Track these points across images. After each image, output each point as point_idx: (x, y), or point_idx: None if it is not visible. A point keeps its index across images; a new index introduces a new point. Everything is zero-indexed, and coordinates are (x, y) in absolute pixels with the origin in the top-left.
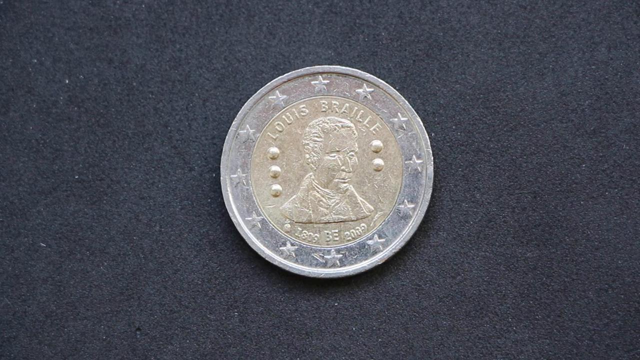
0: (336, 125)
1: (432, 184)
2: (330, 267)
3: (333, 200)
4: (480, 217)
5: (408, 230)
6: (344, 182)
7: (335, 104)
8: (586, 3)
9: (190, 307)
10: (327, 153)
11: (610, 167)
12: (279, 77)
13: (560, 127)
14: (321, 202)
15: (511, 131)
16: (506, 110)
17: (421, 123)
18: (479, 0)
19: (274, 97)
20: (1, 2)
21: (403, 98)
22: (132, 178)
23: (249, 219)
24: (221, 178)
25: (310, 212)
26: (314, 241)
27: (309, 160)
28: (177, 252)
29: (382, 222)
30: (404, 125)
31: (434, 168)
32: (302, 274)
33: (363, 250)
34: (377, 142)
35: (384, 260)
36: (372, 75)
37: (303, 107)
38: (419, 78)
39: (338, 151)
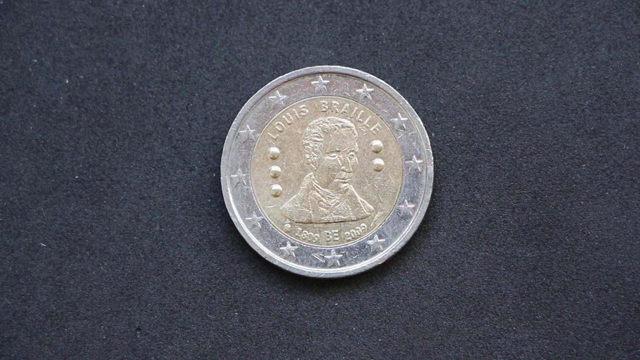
0: (336, 125)
1: (432, 184)
2: (330, 267)
3: (333, 200)
4: (480, 217)
5: (408, 230)
6: (344, 182)
7: (335, 104)
8: (586, 3)
9: (190, 307)
10: (327, 153)
11: (610, 167)
12: (279, 77)
13: (560, 127)
14: (321, 202)
15: (511, 131)
16: (506, 110)
17: (421, 123)
18: (479, 0)
19: (274, 97)
20: (1, 2)
21: (403, 98)
22: (132, 178)
23: (249, 219)
24: (221, 178)
25: (311, 212)
26: (314, 241)
27: (309, 160)
28: (177, 252)
29: (382, 222)
30: (404, 125)
31: (434, 168)
32: (302, 274)
33: (363, 250)
34: (377, 142)
35: (384, 260)
36: (372, 75)
37: (303, 107)
38: (419, 78)
39: (338, 151)
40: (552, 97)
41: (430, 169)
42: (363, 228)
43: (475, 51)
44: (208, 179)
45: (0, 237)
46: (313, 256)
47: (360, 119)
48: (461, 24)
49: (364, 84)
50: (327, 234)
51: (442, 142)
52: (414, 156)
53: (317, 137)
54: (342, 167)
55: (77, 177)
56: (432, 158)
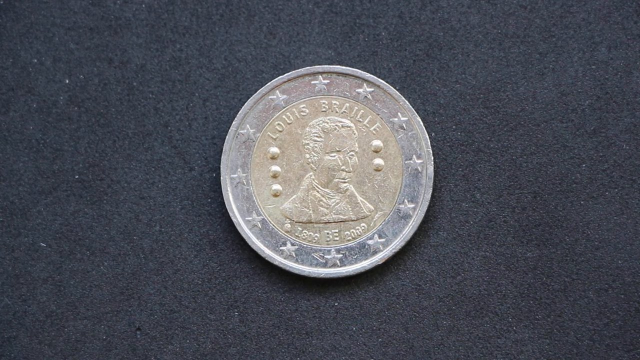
0: (336, 125)
1: (432, 184)
2: (330, 267)
3: (333, 200)
4: (480, 217)
5: (408, 230)
6: (344, 182)
7: (335, 103)
8: (586, 3)
9: (190, 307)
10: (327, 153)
11: (610, 167)
12: (279, 77)
13: (560, 127)
14: (321, 202)
15: (511, 131)
16: (506, 110)
17: (421, 123)
18: (479, 0)
19: (274, 97)
20: (1, 2)
21: (403, 98)
22: (132, 178)
23: (249, 218)
24: (221, 178)
25: (311, 212)
26: (314, 241)
27: (309, 160)
28: (177, 252)
29: (382, 222)
30: (404, 125)
31: (434, 168)
32: (302, 273)
33: (363, 250)
34: (377, 142)
35: (384, 260)
36: (372, 75)
37: (303, 107)
38: (419, 78)
39: (338, 151)
40: (552, 97)
41: (430, 168)
42: (363, 228)
43: (475, 51)
44: (208, 179)
45: (0, 237)
46: (313, 256)
47: (360, 119)
48: (461, 24)
49: (364, 84)
50: (327, 233)
51: (442, 142)
52: (414, 156)
53: (317, 137)
54: (342, 167)
55: (77, 177)
56: (432, 158)
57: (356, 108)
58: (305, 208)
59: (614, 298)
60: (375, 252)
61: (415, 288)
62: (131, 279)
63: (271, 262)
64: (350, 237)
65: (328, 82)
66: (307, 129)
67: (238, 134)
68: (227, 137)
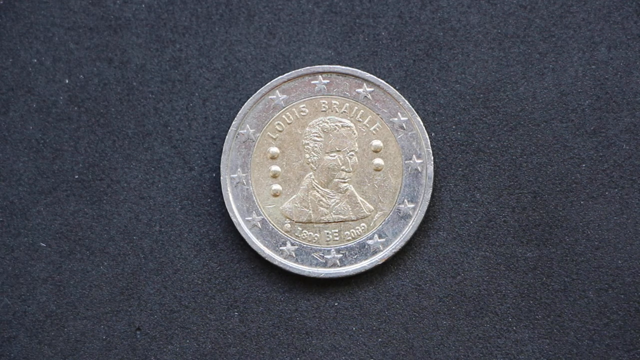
0: (336, 125)
1: (432, 184)
2: (330, 267)
3: (333, 200)
4: (480, 217)
5: (408, 230)
6: (344, 182)
7: (335, 103)
8: (586, 3)
9: (190, 307)
10: (327, 153)
11: (610, 167)
12: (279, 77)
13: (560, 127)
14: (321, 202)
15: (511, 131)
16: (506, 110)
17: (421, 123)
18: (478, 0)
19: (274, 96)
20: (1, 2)
21: (403, 98)
22: (132, 178)
23: (249, 218)
24: (221, 178)
25: (310, 211)
26: (314, 241)
27: (309, 160)
28: (177, 252)
29: (382, 222)
30: (404, 125)
31: (434, 168)
32: (302, 273)
33: (363, 250)
34: (377, 142)
35: (384, 260)
36: (372, 75)
37: (303, 107)
38: (419, 78)
39: (338, 151)
40: (552, 97)
41: (430, 168)
42: (363, 228)
43: (475, 51)
44: (208, 179)
45: (0, 237)
46: (313, 256)
47: (360, 119)
48: (461, 24)
49: (364, 84)
50: (327, 233)
51: (442, 142)
52: (413, 156)
53: (317, 136)
54: (342, 167)
55: (77, 177)
56: (432, 158)
57: (356, 108)
58: (305, 208)
59: (614, 298)
60: (375, 252)
61: (415, 288)
62: (131, 279)
63: (271, 262)
64: (350, 237)
65: (328, 82)
66: (307, 128)
67: (238, 134)
68: (227, 137)
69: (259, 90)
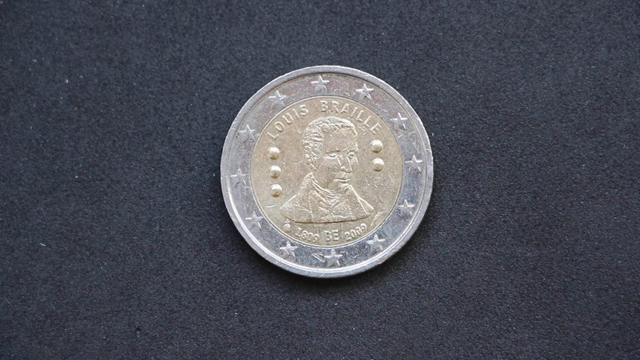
0: (336, 125)
1: (432, 184)
2: (330, 267)
3: (333, 200)
4: (480, 217)
5: (408, 230)
6: (344, 182)
7: (335, 103)
8: (586, 3)
9: (190, 307)
10: (327, 153)
11: (610, 167)
12: (279, 77)
13: (560, 127)
14: (321, 202)
15: (511, 131)
16: (506, 110)
17: (421, 123)
18: (478, 0)
19: (274, 97)
20: (1, 2)
21: (403, 98)
22: (132, 178)
23: (249, 218)
24: (221, 178)
25: (310, 212)
26: (314, 241)
27: (309, 160)
28: (177, 252)
29: (382, 222)
30: (404, 125)
31: (434, 168)
32: (302, 274)
33: (363, 250)
34: (377, 142)
35: (384, 260)
36: (372, 75)
37: (303, 107)
38: (419, 78)
39: (338, 151)
40: (552, 97)
41: (430, 168)
42: (363, 228)
43: (475, 51)
44: (208, 179)
45: (0, 237)
46: (313, 256)
47: (360, 119)
48: (461, 24)
49: (364, 84)
50: (327, 233)
51: (442, 142)
52: (413, 156)
53: (317, 137)
54: (342, 167)
55: (77, 177)
56: (432, 158)
57: (356, 108)
58: (305, 208)
59: (613, 298)
60: (375, 252)
61: (415, 288)
62: (131, 279)
63: (271, 262)
64: (350, 237)
65: (328, 82)
66: (306, 129)
67: (238, 134)
68: (227, 137)
69: (259, 90)
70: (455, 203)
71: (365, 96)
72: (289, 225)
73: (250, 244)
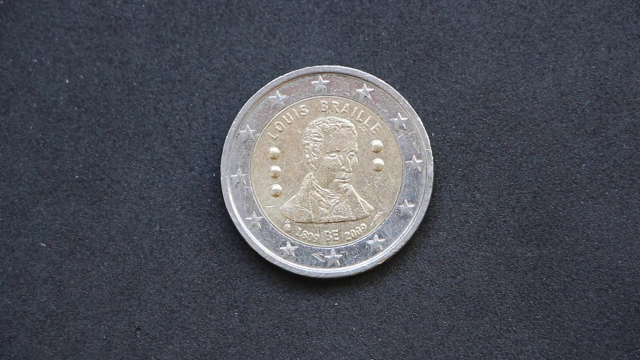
0: (336, 125)
1: (432, 184)
2: (330, 267)
3: (333, 200)
4: (480, 217)
5: (408, 230)
6: (344, 182)
7: (335, 103)
8: (586, 3)
9: (190, 307)
10: (327, 153)
11: (610, 167)
12: (279, 77)
13: (560, 127)
14: (321, 202)
15: (511, 131)
16: (506, 110)
17: (421, 123)
18: (478, 0)
19: (274, 97)
20: (1, 2)
21: (403, 98)
22: (132, 178)
23: (249, 218)
24: (221, 178)
25: (310, 212)
26: (314, 241)
27: (309, 160)
28: (177, 252)
29: (382, 222)
30: (404, 125)
31: (434, 168)
32: (302, 273)
33: (363, 250)
34: (377, 142)
35: (384, 260)
36: (372, 75)
37: (303, 107)
38: (419, 78)
39: (338, 151)
40: (552, 97)
41: (430, 168)
42: (363, 228)
43: (475, 51)
44: (208, 179)
45: (0, 237)
46: (313, 256)
47: (360, 119)
48: (461, 24)
49: (364, 84)
50: (327, 233)
51: (442, 142)
52: (413, 156)
53: (317, 137)
54: (342, 167)
55: (77, 177)
56: (432, 158)
57: (356, 108)
58: (305, 208)
59: (613, 298)
60: (375, 252)
61: (415, 288)
62: (131, 279)
63: (271, 262)
64: (350, 237)
65: (328, 82)
66: (307, 129)
67: (238, 134)
68: (227, 137)
69: (259, 90)
70: (455, 203)
71: (366, 96)
72: (289, 225)
73: (250, 244)
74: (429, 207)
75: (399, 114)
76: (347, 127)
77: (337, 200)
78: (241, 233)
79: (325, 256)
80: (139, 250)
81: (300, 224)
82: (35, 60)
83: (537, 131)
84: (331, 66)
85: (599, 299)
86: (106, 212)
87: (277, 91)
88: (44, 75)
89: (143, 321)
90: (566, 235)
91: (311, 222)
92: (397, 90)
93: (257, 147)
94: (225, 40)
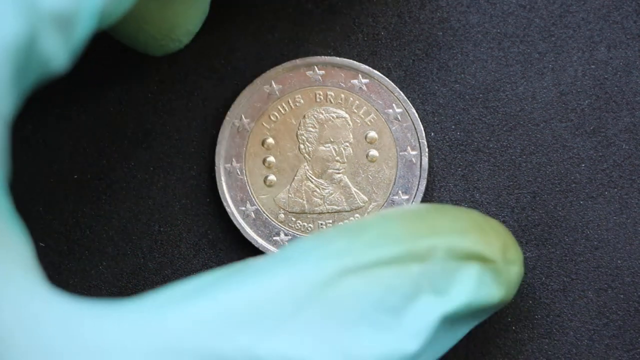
0: (331, 116)
1: (426, 175)
2: None
3: (327, 190)
4: None
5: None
6: (338, 173)
7: (330, 94)
8: (585, 2)
9: None
10: (322, 143)
11: (609, 166)
12: (274, 67)
13: (560, 127)
14: (315, 193)
15: (510, 131)
16: (505, 109)
17: (416, 114)
18: (478, 0)
19: (269, 87)
20: None
21: (398, 89)
22: (131, 178)
23: (243, 208)
24: (215, 167)
25: (304, 202)
26: (307, 231)
27: (304, 150)
28: (177, 251)
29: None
30: (399, 117)
31: (430, 162)
32: None
33: None
34: (372, 133)
35: None
36: (367, 67)
37: (298, 98)
38: (419, 77)
39: (332, 142)
40: (552, 96)
41: (425, 160)
42: (357, 219)
43: (475, 51)
44: (207, 178)
45: None
46: None
47: (355, 110)
48: (460, 24)
49: (359, 75)
50: (321, 224)
51: (441, 142)
52: (408, 147)
53: (311, 127)
54: (336, 158)
55: (76, 177)
56: (427, 150)
57: (351, 99)
58: (299, 198)
59: (613, 298)
60: None
61: None
62: (131, 278)
63: (265, 252)
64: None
65: (323, 73)
66: (301, 119)
67: (233, 123)
68: (221, 126)
69: (254, 81)
70: (455, 203)
71: (361, 87)
72: (283, 216)
73: (244, 233)
74: (423, 198)
75: (394, 105)
76: (342, 118)
77: (331, 191)
78: (235, 223)
79: None
80: (138, 250)
81: (294, 214)
82: None
83: (537, 131)
84: (327, 57)
85: (598, 298)
86: (105, 212)
87: (273, 81)
88: None
89: None
90: (566, 235)
91: (305, 213)
92: (392, 81)
93: (252, 137)
94: (224, 40)
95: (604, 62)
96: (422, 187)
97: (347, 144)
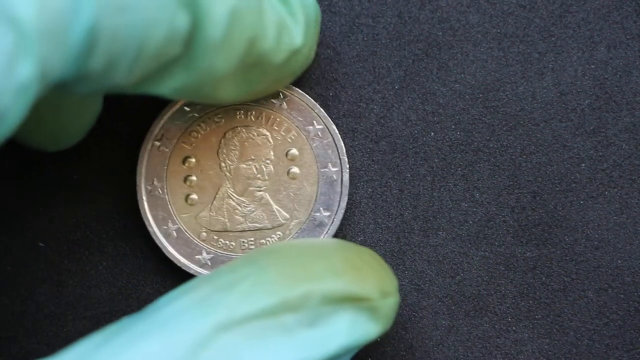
0: (252, 134)
1: (347, 192)
2: None
3: (249, 208)
4: (479, 217)
5: (324, 238)
6: (260, 191)
7: (251, 112)
8: (585, 2)
9: None
10: (243, 161)
11: (610, 166)
12: None
13: (560, 127)
14: (237, 211)
15: (511, 131)
16: (505, 110)
17: (337, 131)
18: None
19: (190, 105)
20: None
21: (318, 106)
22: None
23: (165, 227)
24: (137, 187)
25: (226, 220)
26: (230, 249)
27: (225, 168)
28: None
29: (297, 230)
30: (320, 133)
31: (434, 166)
32: None
33: None
34: (292, 151)
35: None
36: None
37: (219, 117)
38: (419, 78)
39: (253, 159)
40: (552, 96)
41: (346, 176)
42: (279, 236)
43: (475, 51)
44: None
45: (0, 237)
46: None
47: (276, 127)
48: (460, 24)
49: (280, 93)
50: (243, 242)
51: (441, 142)
52: (329, 164)
53: (232, 145)
54: (257, 176)
55: (76, 177)
56: (348, 166)
57: (272, 116)
58: (220, 217)
59: (613, 298)
60: None
61: (415, 288)
62: (130, 278)
63: (187, 270)
64: (266, 246)
65: None
66: (222, 137)
67: (153, 143)
68: (142, 146)
69: (175, 99)
70: (455, 203)
71: (281, 105)
72: (205, 234)
73: (166, 252)
74: (345, 214)
75: (314, 122)
76: (263, 135)
77: (252, 209)
78: (157, 242)
79: None
80: (138, 250)
81: (216, 232)
82: None
83: (537, 131)
84: None
85: (598, 298)
86: (105, 212)
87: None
88: None
89: None
90: (566, 235)
91: (227, 231)
92: (312, 98)
93: (173, 156)
94: None
95: (604, 62)
96: (343, 204)
97: (268, 161)
